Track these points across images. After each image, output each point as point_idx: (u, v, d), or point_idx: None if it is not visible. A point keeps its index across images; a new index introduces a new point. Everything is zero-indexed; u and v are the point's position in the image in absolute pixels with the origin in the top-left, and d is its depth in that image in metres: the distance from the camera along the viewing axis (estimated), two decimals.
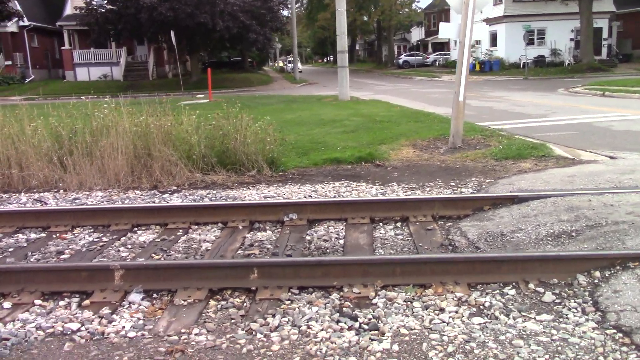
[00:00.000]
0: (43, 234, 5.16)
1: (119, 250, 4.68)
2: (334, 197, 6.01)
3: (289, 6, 36.80)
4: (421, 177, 6.81)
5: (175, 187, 7.05)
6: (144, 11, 28.20)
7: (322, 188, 6.47)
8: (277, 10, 31.28)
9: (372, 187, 6.39)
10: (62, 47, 39.53)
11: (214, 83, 35.76)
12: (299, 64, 60.76)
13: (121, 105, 8.02)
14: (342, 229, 4.99)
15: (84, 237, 5.05)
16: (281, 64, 71.91)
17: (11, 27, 38.12)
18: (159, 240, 4.89)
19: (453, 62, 43.93)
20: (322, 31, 62.16)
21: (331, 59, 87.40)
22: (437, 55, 51.40)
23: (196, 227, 5.24)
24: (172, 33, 25.01)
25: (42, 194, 7.03)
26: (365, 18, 50.76)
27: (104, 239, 5.00)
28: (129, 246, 4.79)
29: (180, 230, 5.12)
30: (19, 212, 5.50)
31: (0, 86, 36.03)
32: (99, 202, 6.43)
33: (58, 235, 5.09)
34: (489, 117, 12.51)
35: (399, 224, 5.05)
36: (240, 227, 5.11)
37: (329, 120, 11.80)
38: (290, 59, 59.12)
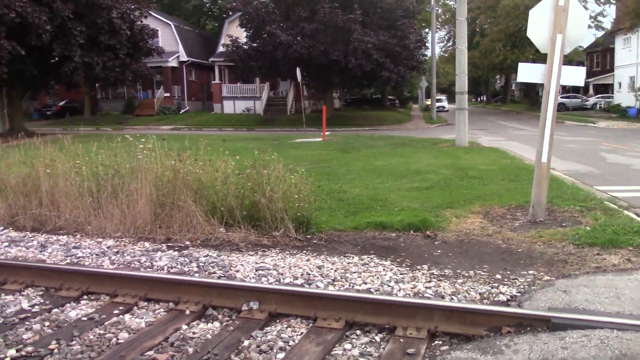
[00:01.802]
0: None
1: (30, 328, 3.91)
2: (332, 281, 4.75)
3: (428, 45, 35.56)
4: (466, 259, 5.25)
5: (188, 243, 6.26)
6: (280, 48, 28.87)
7: (333, 264, 5.22)
8: (413, 49, 30.21)
9: (392, 270, 5.01)
10: (213, 82, 42.22)
11: (346, 120, 35.73)
12: (446, 103, 59.01)
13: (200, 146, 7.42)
14: (301, 334, 3.73)
15: (16, 301, 4.39)
16: (428, 102, 70.49)
17: (172, 62, 41.68)
18: (85, 318, 4.05)
19: (616, 106, 39.19)
20: (475, 70, 59.79)
21: (484, 98, 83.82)
22: (598, 98, 46.43)
23: (144, 303, 4.33)
24: (297, 70, 25.13)
25: (58, 237, 6.66)
26: (516, 57, 47.55)
27: (38, 307, 4.28)
28: (47, 323, 4.00)
29: (122, 307, 4.24)
30: None
31: (157, 116, 39.36)
32: (98, 253, 5.82)
33: None
34: (616, 179, 10.18)
35: (378, 337, 3.67)
36: (187, 312, 4.09)
37: (414, 171, 10.39)
38: (439, 97, 57.58)
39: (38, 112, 41.98)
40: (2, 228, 7.20)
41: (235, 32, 35.65)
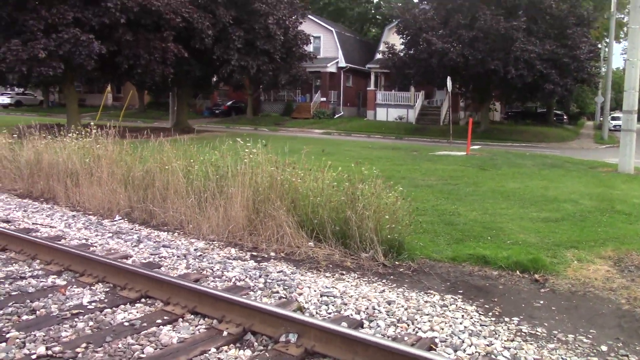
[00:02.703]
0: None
1: (74, 326, 3.92)
2: (395, 322, 4.16)
3: (604, 57, 31.97)
4: (572, 318, 4.32)
5: (272, 254, 6.05)
6: (435, 56, 27.99)
7: (407, 300, 4.62)
8: (584, 60, 27.40)
9: (472, 318, 4.27)
10: (368, 88, 42.39)
11: (502, 134, 33.54)
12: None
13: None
14: None
15: (81, 294, 4.46)
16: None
17: (331, 67, 42.64)
18: (127, 324, 3.95)
19: None
20: None
21: None
22: None
23: (191, 316, 4.14)
24: (448, 79, 24.06)
25: (158, 233, 6.85)
26: None
27: (94, 305, 4.31)
28: (91, 323, 3.98)
29: (167, 317, 4.09)
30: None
31: (312, 119, 40.53)
32: (180, 255, 5.84)
33: (59, 289, 4.61)
34: None
35: None
36: (225, 334, 3.82)
37: (549, 198, 9.14)
38: (615, 115, 51.92)
39: (209, 110, 45.52)
40: (119, 218, 7.60)
41: (393, 40, 35.40)
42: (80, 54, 16.44)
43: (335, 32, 43.46)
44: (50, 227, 6.90)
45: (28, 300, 4.32)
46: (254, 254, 6.06)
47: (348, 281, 5.19)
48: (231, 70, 21.76)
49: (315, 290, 4.81)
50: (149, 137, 9.67)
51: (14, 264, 5.23)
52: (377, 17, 57.50)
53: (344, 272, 5.46)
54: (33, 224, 7.03)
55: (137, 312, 4.24)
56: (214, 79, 25.32)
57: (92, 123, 9.81)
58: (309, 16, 44.15)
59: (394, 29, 35.62)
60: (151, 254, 5.81)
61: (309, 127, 36.62)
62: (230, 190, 6.88)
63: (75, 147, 9.32)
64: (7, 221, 7.09)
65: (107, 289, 4.69)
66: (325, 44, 43.74)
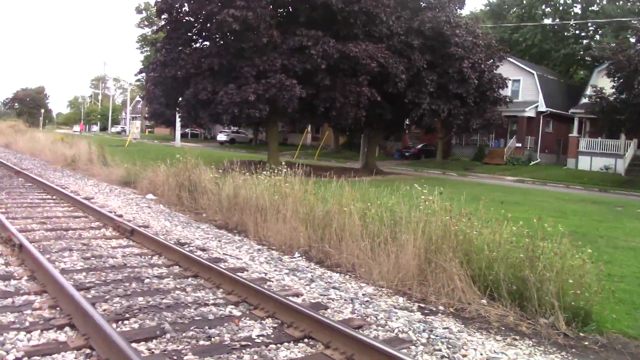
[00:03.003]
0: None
1: (241, 357, 4.17)
2: None
3: None
4: None
5: (441, 308, 5.83)
6: None
7: None
8: None
9: None
10: (570, 134, 39.28)
11: None
12: None
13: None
14: None
15: (252, 327, 4.74)
16: None
17: (529, 112, 40.57)
18: None
19: None
20: None
21: None
22: None
23: None
24: None
25: (331, 274, 7.04)
26: None
27: (262, 339, 4.55)
28: (256, 357, 4.20)
29: None
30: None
31: (505, 165, 38.76)
32: (347, 298, 5.92)
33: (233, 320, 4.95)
34: None
35: None
36: None
37: None
38: None
39: (399, 152, 46.18)
40: (298, 255, 7.99)
41: (602, 83, 32.50)
42: (284, 98, 18.00)
43: (536, 75, 41.33)
44: (237, 258, 7.51)
45: (207, 327, 4.71)
46: (422, 305, 5.90)
47: (521, 348, 4.76)
48: (422, 113, 21.89)
49: (481, 354, 4.50)
50: (332, 176, 10.04)
51: (201, 290, 5.78)
52: (586, 59, 53.39)
53: (517, 337, 5.02)
54: (224, 254, 7.72)
55: (299, 352, 4.36)
56: (406, 122, 25.66)
57: (283, 163, 10.54)
58: (509, 59, 42.73)
59: (604, 72, 32.69)
60: (321, 294, 5.98)
61: (501, 173, 34.98)
62: (403, 237, 6.83)
63: (267, 184, 10.08)
64: (204, 249, 7.88)
65: (275, 325, 4.91)
66: (524, 87, 41.80)
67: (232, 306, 5.32)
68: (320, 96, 19.81)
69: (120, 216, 10.12)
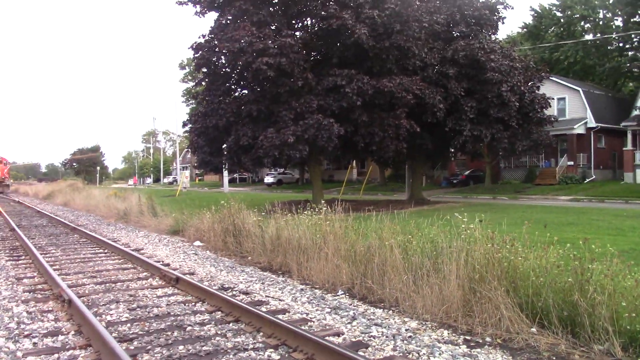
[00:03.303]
0: None
1: None
2: None
3: None
4: None
5: (488, 339, 5.61)
6: None
7: None
8: None
9: None
10: (624, 148, 37.84)
11: None
12: None
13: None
14: None
15: None
16: None
17: (578, 129, 39.49)
18: None
19: None
20: None
21: None
22: None
23: None
24: None
25: (374, 310, 6.92)
26: None
27: None
28: None
29: None
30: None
31: (558, 185, 37.59)
32: (390, 335, 5.78)
33: None
34: None
35: None
36: None
37: None
38: None
39: (446, 180, 45.59)
40: (342, 293, 7.90)
41: None
42: (322, 137, 18.17)
43: (582, 92, 40.32)
44: (280, 300, 7.48)
45: None
46: (467, 337, 5.69)
47: None
48: (464, 140, 21.60)
49: None
50: (379, 210, 9.91)
51: (241, 335, 5.77)
52: (634, 70, 51.73)
53: None
54: (266, 296, 7.71)
55: None
56: (451, 150, 25.37)
57: (323, 202, 10.54)
58: (551, 78, 41.94)
59: None
60: (362, 332, 5.87)
61: (554, 193, 33.91)
62: (445, 268, 6.67)
63: (308, 224, 10.08)
64: (247, 293, 7.91)
65: None
66: (571, 104, 40.82)
67: (272, 349, 5.28)
68: (359, 132, 19.89)
69: (167, 265, 10.33)
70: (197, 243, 13.59)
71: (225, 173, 47.92)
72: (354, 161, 51.91)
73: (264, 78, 18.44)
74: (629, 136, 37.37)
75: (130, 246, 13.06)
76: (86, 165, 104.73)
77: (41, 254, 11.82)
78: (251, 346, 5.39)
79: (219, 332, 5.85)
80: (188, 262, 10.81)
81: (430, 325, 6.16)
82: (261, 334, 5.78)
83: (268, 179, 59.95)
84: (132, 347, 5.34)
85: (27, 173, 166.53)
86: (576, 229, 14.17)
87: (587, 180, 38.87)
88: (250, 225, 12.05)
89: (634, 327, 5.03)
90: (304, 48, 20.14)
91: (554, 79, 41.79)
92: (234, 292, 7.92)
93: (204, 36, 21.26)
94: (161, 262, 10.57)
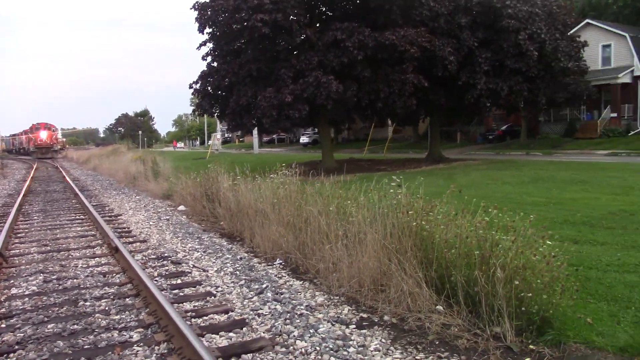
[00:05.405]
0: None
1: None
2: None
3: None
4: None
5: (386, 318, 5.07)
6: None
7: None
8: None
9: None
10: None
11: None
12: None
13: None
14: None
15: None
16: None
17: (623, 77, 36.90)
18: None
19: None
20: None
21: None
22: None
23: None
24: None
25: (292, 283, 6.44)
26: None
27: None
28: None
29: None
30: None
31: (599, 139, 35.46)
32: (293, 311, 5.32)
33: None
34: None
35: None
36: None
37: None
38: None
39: (482, 136, 43.81)
40: (279, 262, 7.45)
41: None
42: (321, 95, 17.42)
43: (629, 37, 37.37)
44: (203, 270, 7.11)
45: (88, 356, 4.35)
46: (365, 315, 5.16)
47: None
48: (478, 95, 20.31)
49: None
50: (383, 170, 9.28)
51: (125, 312, 5.44)
52: None
53: (444, 354, 4.18)
54: (193, 266, 7.36)
55: None
56: (466, 105, 24.04)
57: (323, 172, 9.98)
58: (595, 23, 39.07)
59: None
60: (254, 309, 5.42)
61: (593, 148, 31.96)
62: (368, 237, 6.09)
63: (269, 188, 9.53)
64: (179, 263, 7.57)
65: (166, 351, 4.45)
66: (616, 51, 38.01)
67: (141, 329, 4.93)
68: (363, 89, 18.98)
69: (129, 232, 10.18)
70: (181, 207, 13.39)
71: (256, 134, 47.86)
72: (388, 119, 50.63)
73: (260, 35, 17.72)
74: None
75: (113, 212, 13.00)
76: (130, 130, 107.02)
77: (20, 220, 11.93)
78: (122, 325, 5.04)
79: (105, 309, 5.53)
80: (153, 229, 10.59)
81: (337, 301, 5.65)
82: (147, 310, 5.43)
83: (304, 139, 59.51)
84: (3, 326, 5.11)
85: (87, 138, 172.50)
86: (580, 188, 13.14)
87: (632, 132, 36.40)
88: (225, 190, 11.69)
89: (530, 310, 4.37)
90: (305, 3, 19.19)
91: (598, 24, 39.06)
92: (166, 262, 7.62)
93: None
94: (124, 230, 10.42)
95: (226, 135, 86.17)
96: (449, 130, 45.50)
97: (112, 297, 5.97)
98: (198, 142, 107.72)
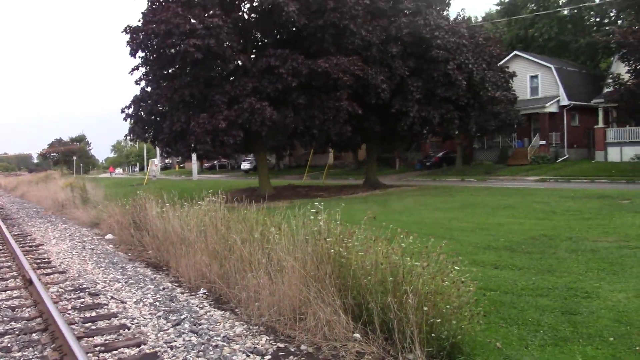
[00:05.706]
0: None
1: None
2: None
3: None
4: None
5: (303, 348, 5.00)
6: None
7: None
8: None
9: None
10: (595, 126, 37.23)
11: None
12: None
13: None
14: None
15: None
16: None
17: (550, 107, 38.83)
18: None
19: None
20: None
21: None
22: None
23: None
24: None
25: (213, 313, 6.29)
26: None
27: None
28: None
29: None
30: None
31: (529, 165, 37.02)
32: (208, 343, 5.16)
33: None
34: None
35: None
36: None
37: None
38: None
39: (420, 162, 44.85)
40: (203, 292, 7.26)
41: (622, 68, 30.73)
42: (256, 121, 17.41)
43: (554, 69, 39.53)
44: (121, 302, 6.85)
45: None
46: (282, 345, 5.08)
47: None
48: (411, 122, 20.85)
49: None
50: (320, 197, 9.22)
51: (29, 348, 5.14)
52: (611, 45, 50.89)
53: None
54: (111, 297, 7.08)
55: None
56: (400, 133, 24.60)
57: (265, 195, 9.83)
58: (523, 55, 41.13)
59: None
60: (168, 342, 5.23)
61: (524, 174, 33.34)
62: (289, 265, 6.03)
63: (201, 215, 9.34)
64: (97, 295, 7.26)
65: None
66: (543, 82, 40.08)
67: None
68: (298, 115, 19.11)
69: (49, 262, 9.73)
70: (109, 236, 12.93)
71: (194, 160, 47.22)
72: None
73: (193, 61, 17.59)
74: (600, 113, 36.67)
75: (34, 242, 12.40)
76: (65, 155, 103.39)
77: None
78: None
79: (7, 345, 5.21)
80: (75, 259, 10.15)
81: (256, 331, 5.55)
82: (53, 345, 5.15)
83: (245, 165, 59.16)
84: None
85: (19, 164, 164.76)
86: (507, 213, 13.61)
87: (560, 159, 38.27)
88: (153, 217, 11.38)
89: (440, 335, 4.43)
90: (239, 30, 19.25)
91: (525, 56, 41.18)
92: (83, 294, 7.29)
93: (139, 20, 20.32)
94: (44, 260, 9.95)
95: (166, 161, 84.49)
96: (388, 157, 46.40)
97: (17, 332, 5.63)
98: (137, 168, 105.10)
